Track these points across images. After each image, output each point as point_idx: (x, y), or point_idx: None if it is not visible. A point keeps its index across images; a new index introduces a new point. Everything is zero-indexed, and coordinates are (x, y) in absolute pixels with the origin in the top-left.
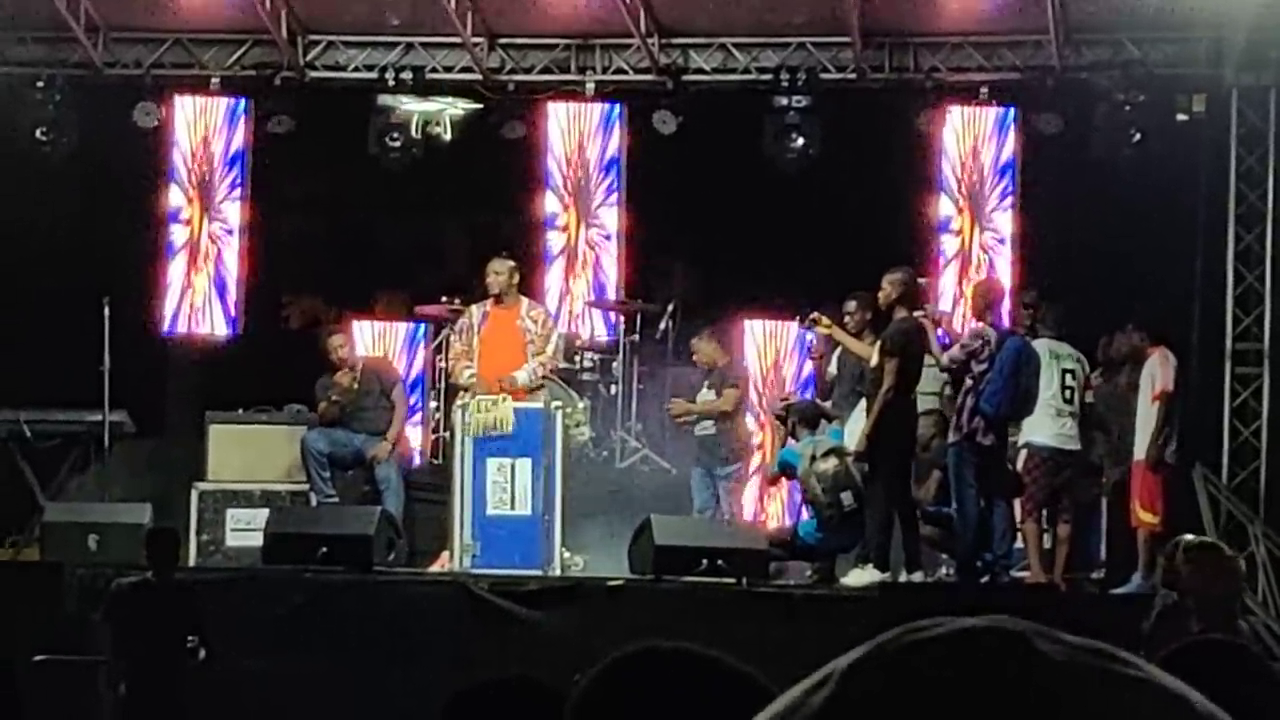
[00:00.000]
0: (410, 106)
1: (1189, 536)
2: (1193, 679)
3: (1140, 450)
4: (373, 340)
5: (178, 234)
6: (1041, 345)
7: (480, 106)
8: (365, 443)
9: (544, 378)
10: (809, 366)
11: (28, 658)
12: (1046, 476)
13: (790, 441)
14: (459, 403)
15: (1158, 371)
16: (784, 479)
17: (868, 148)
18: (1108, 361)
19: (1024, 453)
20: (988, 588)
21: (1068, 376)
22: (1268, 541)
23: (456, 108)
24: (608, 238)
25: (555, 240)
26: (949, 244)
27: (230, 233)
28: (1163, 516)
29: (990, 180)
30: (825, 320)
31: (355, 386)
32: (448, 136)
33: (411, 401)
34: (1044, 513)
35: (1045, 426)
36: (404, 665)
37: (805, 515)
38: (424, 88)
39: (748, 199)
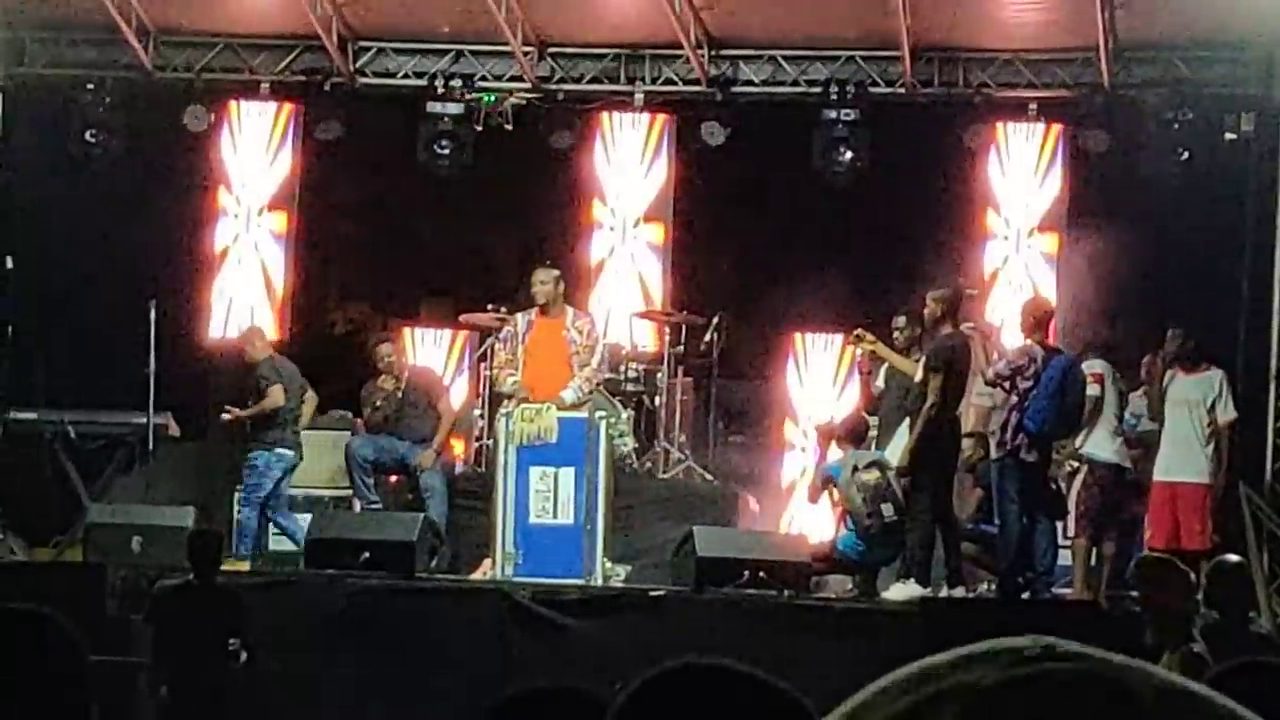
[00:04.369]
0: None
1: (1147, 554)
2: (1240, 701)
3: (1199, 473)
4: (423, 347)
5: (225, 238)
6: (1106, 365)
7: (477, 99)
8: (410, 450)
9: (590, 393)
10: (846, 377)
11: None
12: (1103, 493)
13: (831, 456)
14: (503, 411)
15: (1220, 398)
16: (827, 491)
17: (916, 162)
18: (1151, 380)
19: (1084, 468)
20: (1029, 604)
21: (1123, 398)
22: None
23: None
24: (654, 248)
25: (601, 250)
26: (996, 260)
27: (277, 238)
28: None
29: (1037, 197)
30: (870, 337)
31: (399, 394)
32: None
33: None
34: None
35: (1107, 444)
36: (444, 672)
37: (844, 529)
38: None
39: (795, 211)
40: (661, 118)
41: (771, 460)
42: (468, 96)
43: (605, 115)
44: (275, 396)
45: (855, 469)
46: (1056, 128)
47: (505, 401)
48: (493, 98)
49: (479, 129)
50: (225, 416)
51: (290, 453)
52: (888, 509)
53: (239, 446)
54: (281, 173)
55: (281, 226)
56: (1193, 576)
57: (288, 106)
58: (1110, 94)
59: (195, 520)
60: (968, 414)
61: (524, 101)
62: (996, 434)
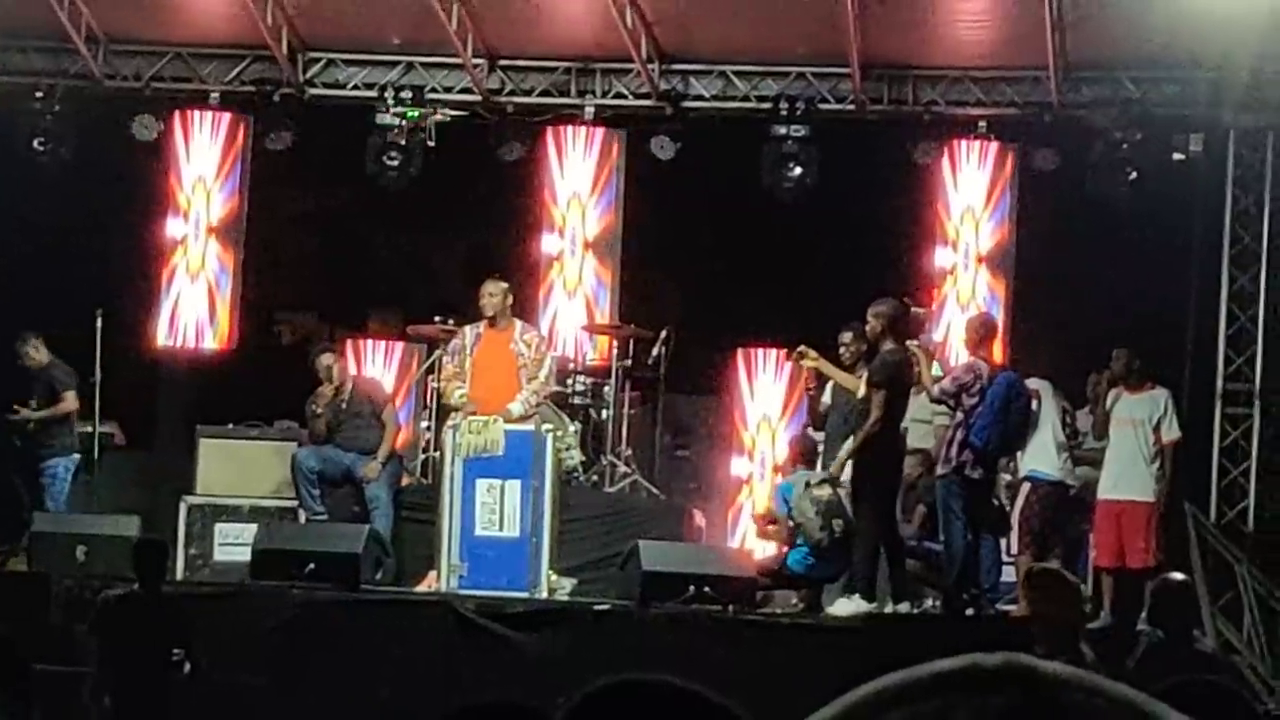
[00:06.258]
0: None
1: (1033, 565)
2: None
3: (1144, 490)
4: (372, 358)
5: (172, 247)
6: (1044, 382)
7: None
8: (355, 461)
9: (538, 405)
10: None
11: None
12: (1047, 510)
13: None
14: (450, 423)
15: (1165, 417)
16: (776, 522)
17: (865, 179)
18: (1097, 399)
19: (1026, 485)
20: (973, 620)
21: (1065, 415)
22: (1254, 582)
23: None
24: (603, 262)
25: (550, 263)
26: (943, 277)
27: (225, 248)
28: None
29: (985, 215)
30: (812, 353)
31: (341, 403)
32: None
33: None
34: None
35: (1050, 459)
36: (389, 684)
37: (795, 544)
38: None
39: (744, 227)
40: (614, 143)
41: (719, 474)
42: (393, 110)
43: (555, 128)
44: (70, 401)
45: (808, 484)
46: (1009, 156)
47: (452, 414)
48: (416, 113)
49: (430, 142)
50: (14, 415)
51: (79, 456)
52: (839, 525)
53: (183, 456)
54: (230, 183)
55: (229, 236)
56: (1082, 588)
57: (238, 119)
58: (1059, 113)
59: (140, 529)
60: (916, 434)
61: (448, 119)
62: (941, 451)
